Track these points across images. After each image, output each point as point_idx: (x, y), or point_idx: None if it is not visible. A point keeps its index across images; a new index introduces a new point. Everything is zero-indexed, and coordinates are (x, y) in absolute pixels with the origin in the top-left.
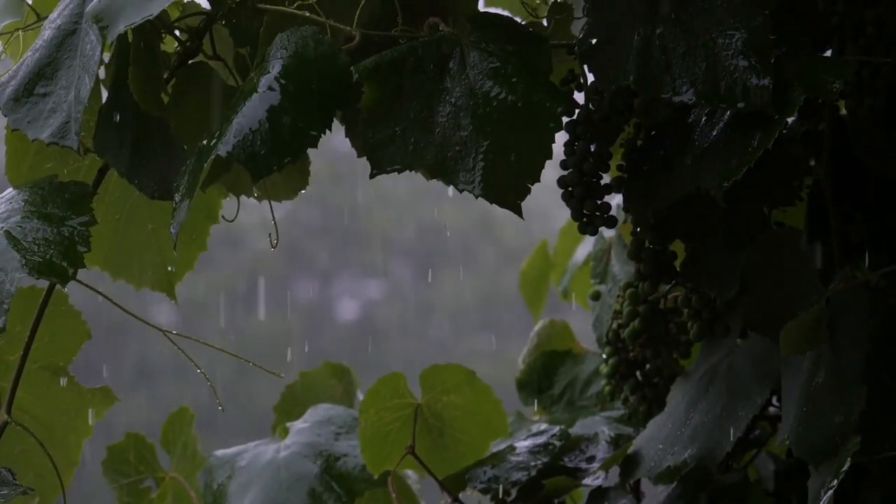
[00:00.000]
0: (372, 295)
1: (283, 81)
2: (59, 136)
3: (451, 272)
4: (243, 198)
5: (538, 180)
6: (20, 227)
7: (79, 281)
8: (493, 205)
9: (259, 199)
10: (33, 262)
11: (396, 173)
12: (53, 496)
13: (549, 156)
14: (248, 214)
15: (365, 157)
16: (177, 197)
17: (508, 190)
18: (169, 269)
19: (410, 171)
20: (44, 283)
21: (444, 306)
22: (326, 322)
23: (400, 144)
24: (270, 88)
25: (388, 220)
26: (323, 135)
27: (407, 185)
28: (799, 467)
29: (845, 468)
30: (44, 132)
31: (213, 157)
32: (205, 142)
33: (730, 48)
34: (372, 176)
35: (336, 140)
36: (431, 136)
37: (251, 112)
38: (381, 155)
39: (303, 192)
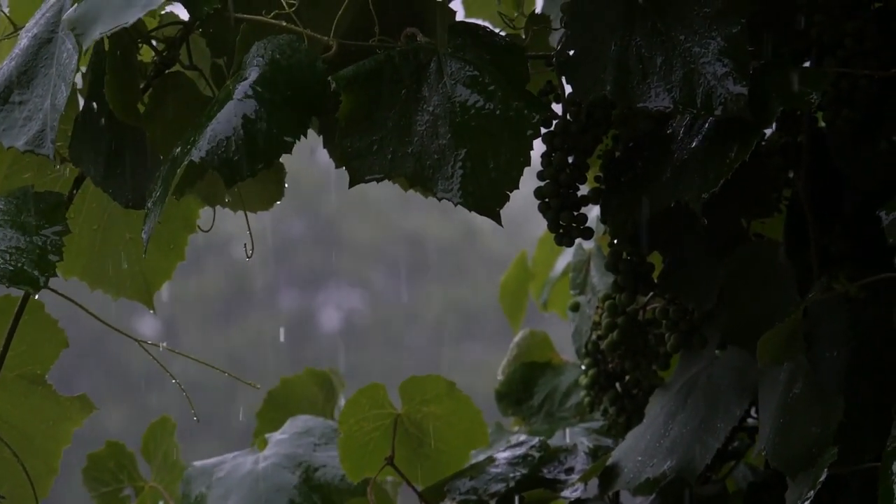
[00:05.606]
0: (355, 304)
1: (258, 88)
2: (35, 145)
3: (434, 282)
4: (230, 209)
5: (517, 187)
6: None
7: (55, 291)
8: (475, 214)
9: (234, 209)
10: (4, 270)
11: (375, 183)
12: None
13: (528, 162)
14: (234, 224)
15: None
16: (149, 203)
17: (487, 197)
18: (146, 278)
19: (389, 180)
20: (19, 292)
21: (426, 316)
22: (310, 331)
23: (378, 153)
24: (246, 95)
25: (373, 230)
26: (297, 141)
27: (391, 195)
28: (776, 479)
29: (822, 479)
30: (19, 140)
31: (186, 162)
32: (178, 149)
33: (707, 56)
34: (350, 185)
35: (321, 150)
36: (410, 144)
37: (226, 118)
38: (360, 164)
39: (281, 203)
